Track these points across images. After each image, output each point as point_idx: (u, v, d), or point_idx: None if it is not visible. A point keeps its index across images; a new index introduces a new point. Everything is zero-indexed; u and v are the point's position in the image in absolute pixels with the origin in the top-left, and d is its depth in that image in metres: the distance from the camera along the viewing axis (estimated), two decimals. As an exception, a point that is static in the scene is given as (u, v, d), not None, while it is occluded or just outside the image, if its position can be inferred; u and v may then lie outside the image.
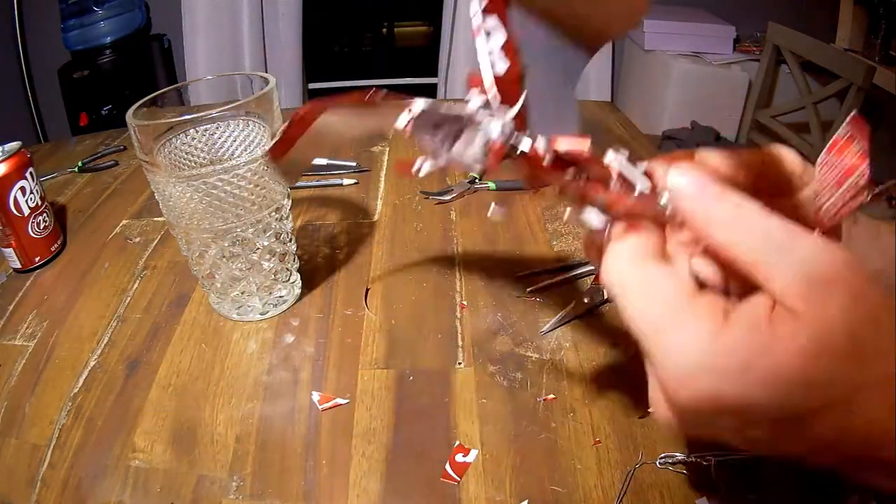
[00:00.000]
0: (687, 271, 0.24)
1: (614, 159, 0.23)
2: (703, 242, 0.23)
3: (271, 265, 0.51)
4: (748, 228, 0.21)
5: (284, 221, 0.51)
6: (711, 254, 0.24)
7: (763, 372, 0.20)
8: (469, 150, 0.23)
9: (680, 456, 0.38)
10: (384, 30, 2.63)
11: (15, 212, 0.59)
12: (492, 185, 0.73)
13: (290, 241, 0.52)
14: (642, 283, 0.23)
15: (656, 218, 0.24)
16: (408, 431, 0.42)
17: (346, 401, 0.45)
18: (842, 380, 0.20)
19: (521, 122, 0.23)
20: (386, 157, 0.84)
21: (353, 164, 0.80)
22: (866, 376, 0.20)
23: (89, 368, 0.49)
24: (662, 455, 0.39)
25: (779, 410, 0.20)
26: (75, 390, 0.47)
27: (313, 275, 0.59)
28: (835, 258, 0.20)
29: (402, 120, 0.23)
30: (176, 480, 0.39)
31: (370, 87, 0.24)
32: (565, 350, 0.48)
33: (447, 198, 0.71)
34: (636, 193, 0.23)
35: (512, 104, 0.23)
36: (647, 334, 0.22)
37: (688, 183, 0.23)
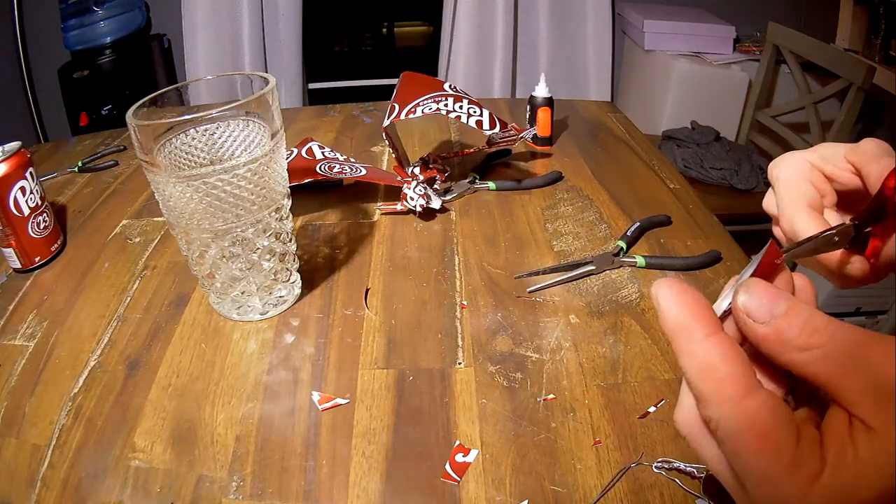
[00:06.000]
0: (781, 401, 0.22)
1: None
2: (774, 362, 0.22)
3: (271, 265, 0.51)
4: (821, 347, 0.20)
5: (284, 221, 0.51)
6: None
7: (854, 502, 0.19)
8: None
9: (677, 463, 0.38)
10: (384, 30, 2.64)
11: (15, 212, 0.59)
12: (492, 185, 0.73)
13: (290, 241, 0.52)
14: (751, 427, 0.20)
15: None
16: (408, 431, 0.42)
17: (346, 401, 0.45)
18: None
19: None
20: (386, 158, 0.84)
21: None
22: None
23: (89, 368, 0.49)
24: (660, 459, 0.39)
25: None
26: (75, 390, 0.47)
27: (313, 275, 0.59)
28: None
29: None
30: (176, 480, 0.39)
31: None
32: (565, 350, 0.48)
33: (447, 198, 0.71)
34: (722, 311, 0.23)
35: None
36: (755, 485, 0.20)
37: (760, 308, 0.22)
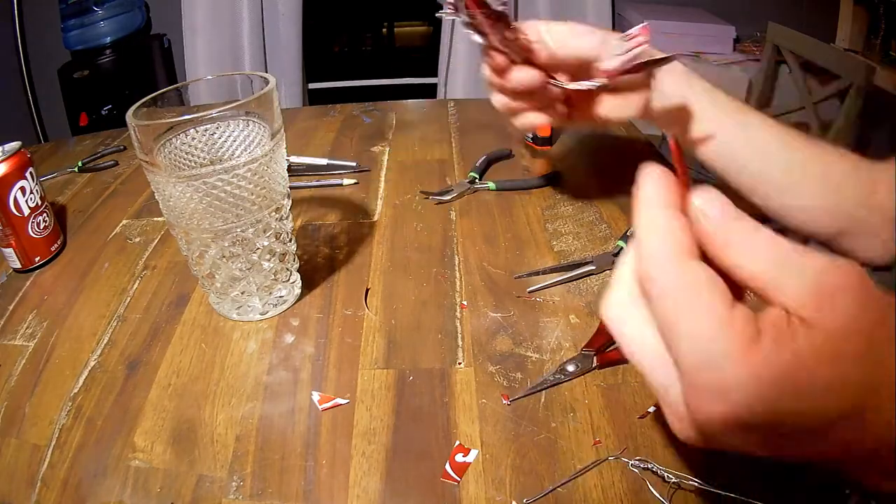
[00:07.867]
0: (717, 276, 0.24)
1: None
2: (715, 261, 0.24)
3: (271, 265, 0.51)
4: (764, 250, 0.22)
5: (284, 221, 0.51)
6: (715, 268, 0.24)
7: (791, 383, 0.20)
8: None
9: (651, 464, 0.38)
10: (384, 30, 2.64)
11: (15, 212, 0.59)
12: (492, 185, 0.73)
13: (290, 241, 0.52)
14: (688, 286, 0.22)
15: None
16: (408, 431, 0.42)
17: (346, 401, 0.45)
18: (858, 381, 0.20)
19: None
20: (386, 157, 0.84)
21: (353, 164, 0.80)
22: (882, 375, 0.20)
23: (89, 368, 0.49)
24: (637, 458, 0.38)
25: (803, 418, 0.21)
26: (75, 390, 0.47)
27: (313, 275, 0.59)
28: (842, 269, 0.21)
29: None
30: (176, 480, 0.39)
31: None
32: (565, 350, 0.48)
33: (447, 198, 0.71)
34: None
35: None
36: (686, 343, 0.22)
37: (712, 205, 0.23)
